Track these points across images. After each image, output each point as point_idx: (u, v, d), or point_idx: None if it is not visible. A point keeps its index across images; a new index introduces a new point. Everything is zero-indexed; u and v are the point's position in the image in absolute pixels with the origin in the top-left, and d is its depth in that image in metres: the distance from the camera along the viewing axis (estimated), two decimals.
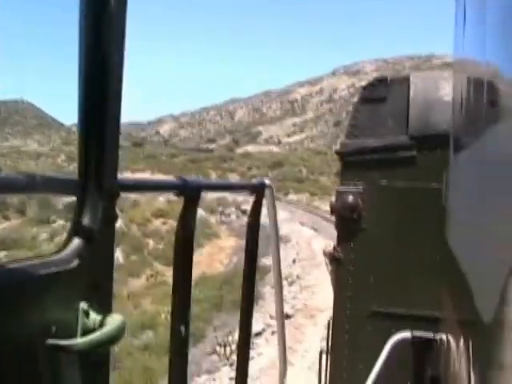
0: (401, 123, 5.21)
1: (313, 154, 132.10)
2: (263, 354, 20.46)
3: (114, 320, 1.64)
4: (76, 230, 1.70)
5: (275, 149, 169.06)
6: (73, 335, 1.59)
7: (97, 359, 1.75)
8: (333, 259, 5.38)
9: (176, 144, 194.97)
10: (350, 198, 5.23)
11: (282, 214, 48.40)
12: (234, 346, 19.73)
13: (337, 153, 5.44)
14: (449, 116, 5.05)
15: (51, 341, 1.51)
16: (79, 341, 1.59)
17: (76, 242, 1.67)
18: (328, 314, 9.41)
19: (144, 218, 59.77)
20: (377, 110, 5.29)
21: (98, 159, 1.70)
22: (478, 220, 1.88)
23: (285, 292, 22.96)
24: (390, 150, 5.21)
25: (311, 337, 20.27)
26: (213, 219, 62.82)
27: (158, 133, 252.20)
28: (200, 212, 55.91)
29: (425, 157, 5.16)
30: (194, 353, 20.80)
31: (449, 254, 3.29)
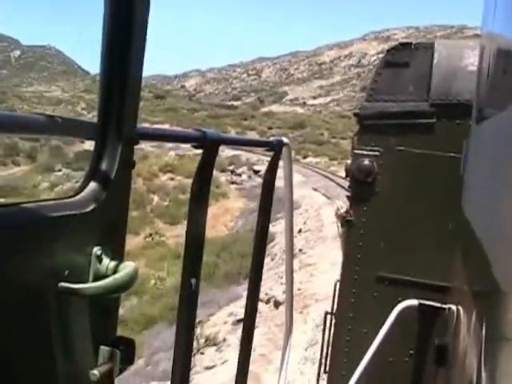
0: (422, 90, 5.16)
1: (336, 118, 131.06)
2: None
3: (126, 267, 1.65)
4: (93, 174, 1.69)
5: (300, 110, 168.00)
6: (85, 280, 1.60)
7: (106, 305, 1.77)
8: (344, 221, 5.40)
9: (200, 99, 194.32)
10: (366, 161, 5.22)
11: (296, 178, 45.70)
12: (202, 341, 17.25)
13: (355, 115, 5.42)
14: (471, 86, 5.00)
15: (63, 284, 1.53)
16: (91, 286, 1.59)
17: (92, 185, 1.67)
18: (325, 306, 9.14)
19: (151, 173, 58.71)
20: (399, 74, 5.24)
21: (119, 105, 1.70)
22: (497, 191, 1.89)
23: (280, 269, 21.41)
24: (410, 115, 5.17)
25: (295, 343, 12.94)
26: (223, 178, 60.08)
27: (183, 87, 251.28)
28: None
29: (444, 125, 5.12)
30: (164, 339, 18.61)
31: (463, 223, 3.30)
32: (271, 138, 3.47)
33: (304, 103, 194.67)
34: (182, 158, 65.07)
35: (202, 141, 2.29)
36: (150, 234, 43.62)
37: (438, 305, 4.89)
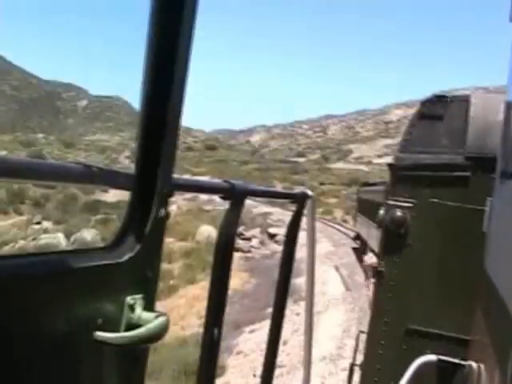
0: (457, 142, 5.15)
1: None
2: None
3: (158, 317, 1.67)
4: (129, 225, 1.72)
5: (365, 168, 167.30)
6: (117, 329, 1.62)
7: (137, 355, 1.78)
8: (375, 272, 5.37)
9: (265, 154, 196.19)
10: (399, 213, 5.21)
11: (321, 248, 37.50)
12: None
13: (389, 166, 5.43)
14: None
15: (98, 333, 1.55)
16: (124, 335, 1.62)
17: (128, 236, 1.70)
18: None
19: None
20: (433, 126, 5.25)
21: (156, 157, 1.72)
22: None
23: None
24: (445, 168, 5.15)
25: None
26: None
27: (248, 141, 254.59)
28: (210, 230, 45.29)
29: (478, 179, 5.08)
30: None
31: (486, 280, 3.25)
32: (295, 191, 3.54)
33: (369, 162, 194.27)
34: (186, 214, 59.19)
35: (229, 192, 2.34)
36: None
37: (457, 361, 4.79)
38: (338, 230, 55.42)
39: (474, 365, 3.60)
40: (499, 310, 2.28)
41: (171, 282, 33.25)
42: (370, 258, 25.26)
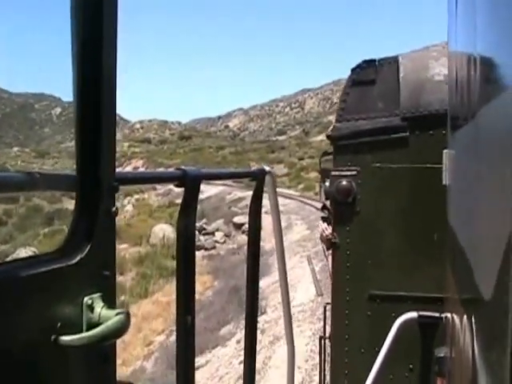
0: (392, 105, 5.16)
1: None
2: None
3: (118, 314, 1.66)
4: (76, 226, 1.71)
5: None
6: (78, 330, 1.62)
7: (103, 353, 1.77)
8: (330, 244, 5.38)
9: (244, 137, 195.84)
10: (344, 182, 5.22)
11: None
12: None
13: (328, 137, 5.43)
14: (440, 95, 4.97)
15: (58, 337, 1.54)
16: (84, 335, 1.61)
17: (76, 237, 1.70)
18: None
19: None
20: (367, 92, 5.25)
21: (96, 154, 1.71)
22: (476, 198, 1.90)
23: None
24: (382, 131, 5.17)
25: None
26: None
27: (227, 127, 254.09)
28: (164, 228, 39.96)
29: (417, 137, 5.10)
30: None
31: (449, 232, 3.27)
32: (252, 168, 3.48)
33: None
34: (142, 214, 52.90)
35: (182, 179, 2.30)
36: None
37: (437, 315, 4.83)
38: (316, 208, 51.67)
39: (448, 317, 3.63)
40: (461, 259, 2.32)
41: (122, 298, 27.68)
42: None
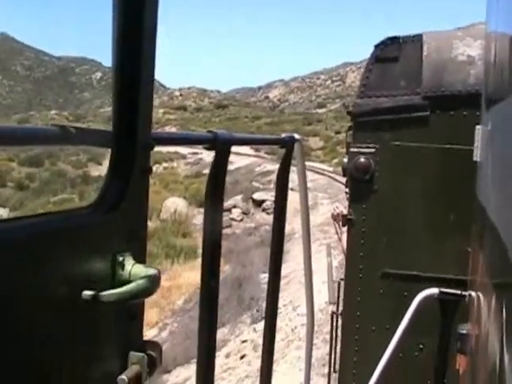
0: (414, 83, 5.11)
1: None
2: None
3: (148, 272, 1.68)
4: (110, 181, 1.73)
5: None
6: (109, 286, 1.64)
7: (131, 311, 1.80)
8: (345, 221, 5.39)
9: (284, 109, 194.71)
10: (362, 159, 5.20)
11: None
12: None
13: (349, 113, 5.41)
14: (462, 76, 4.91)
15: (87, 292, 1.56)
16: (113, 292, 1.62)
17: (110, 193, 1.71)
18: None
19: None
20: (389, 69, 5.20)
21: (132, 112, 1.73)
22: (507, 175, 1.90)
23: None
24: (403, 110, 5.12)
25: None
26: (199, 218, 32.69)
27: (267, 97, 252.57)
28: (177, 202, 37.70)
29: (438, 117, 5.05)
30: None
31: (479, 211, 3.26)
32: (283, 135, 3.45)
33: None
34: (154, 185, 46.58)
35: (213, 142, 2.32)
36: None
37: (458, 292, 4.82)
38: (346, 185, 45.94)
39: (473, 295, 3.63)
40: (492, 237, 2.30)
41: None
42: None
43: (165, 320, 20.59)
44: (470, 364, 3.39)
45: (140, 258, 1.76)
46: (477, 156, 3.95)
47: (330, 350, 5.80)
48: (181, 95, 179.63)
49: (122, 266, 1.68)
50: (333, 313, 5.83)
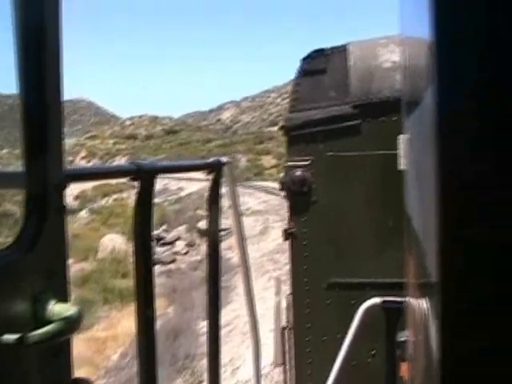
0: (343, 93, 5.16)
1: None
2: None
3: (69, 311, 1.65)
4: (26, 222, 1.71)
5: None
6: (31, 327, 1.59)
7: (57, 349, 1.76)
8: (287, 234, 5.39)
9: (237, 130, 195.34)
10: (298, 172, 5.22)
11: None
12: None
13: (282, 128, 5.43)
14: (389, 82, 4.98)
15: (7, 336, 1.51)
16: (35, 333, 1.57)
17: (27, 234, 1.69)
18: None
19: None
20: (318, 81, 5.25)
21: (42, 151, 1.70)
22: (415, 183, 1.90)
23: None
24: (334, 120, 5.17)
25: None
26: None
27: (219, 120, 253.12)
28: (114, 239, 34.31)
29: (369, 124, 5.11)
30: None
31: (405, 218, 3.28)
32: (210, 160, 3.33)
33: None
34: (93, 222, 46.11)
35: (136, 173, 2.25)
36: None
37: (400, 299, 4.84)
38: None
39: (408, 300, 3.66)
40: (414, 244, 2.33)
41: None
42: None
43: (97, 381, 17.13)
44: (411, 370, 3.40)
45: (61, 297, 1.73)
46: (401, 164, 4.00)
47: (284, 365, 5.77)
48: (132, 124, 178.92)
49: (43, 305, 1.65)
50: (283, 328, 5.81)
